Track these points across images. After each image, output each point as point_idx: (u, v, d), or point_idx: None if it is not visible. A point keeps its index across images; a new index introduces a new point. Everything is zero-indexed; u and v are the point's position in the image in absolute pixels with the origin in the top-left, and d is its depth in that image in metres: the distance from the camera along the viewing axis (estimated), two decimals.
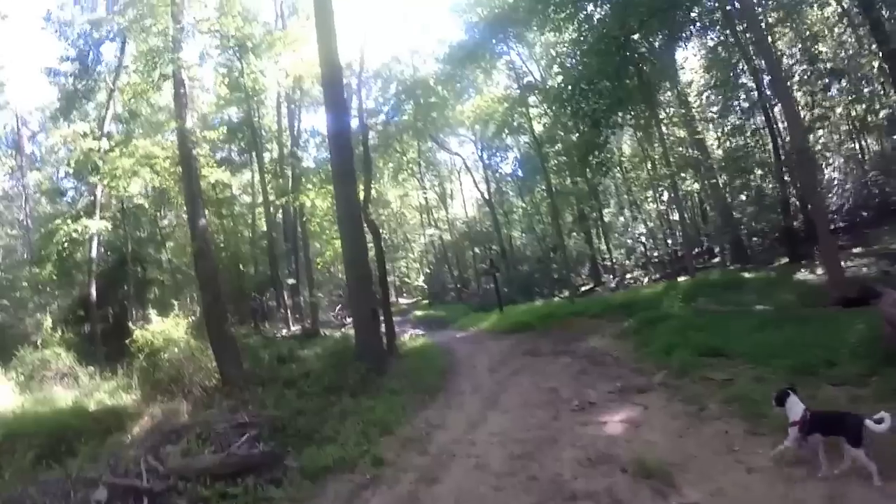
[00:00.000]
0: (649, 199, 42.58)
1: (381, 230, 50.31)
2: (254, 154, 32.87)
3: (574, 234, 42.13)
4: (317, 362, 17.15)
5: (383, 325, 18.13)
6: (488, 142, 46.58)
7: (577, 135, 24.03)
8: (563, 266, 38.27)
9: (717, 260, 32.94)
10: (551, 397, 10.51)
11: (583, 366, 12.98)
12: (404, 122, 43.89)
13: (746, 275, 22.38)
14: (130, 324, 19.75)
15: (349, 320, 36.23)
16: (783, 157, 25.49)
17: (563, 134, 28.06)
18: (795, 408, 5.44)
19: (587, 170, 25.13)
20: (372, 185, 21.52)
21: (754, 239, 30.87)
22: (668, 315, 16.22)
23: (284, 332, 31.08)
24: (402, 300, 53.10)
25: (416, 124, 41.74)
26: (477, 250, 49.50)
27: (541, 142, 23.51)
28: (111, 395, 16.61)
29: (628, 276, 34.94)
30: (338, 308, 39.81)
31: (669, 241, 35.53)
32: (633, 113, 24.34)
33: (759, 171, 30.84)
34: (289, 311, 31.63)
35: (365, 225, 18.31)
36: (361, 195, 18.97)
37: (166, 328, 18.45)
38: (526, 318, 20.50)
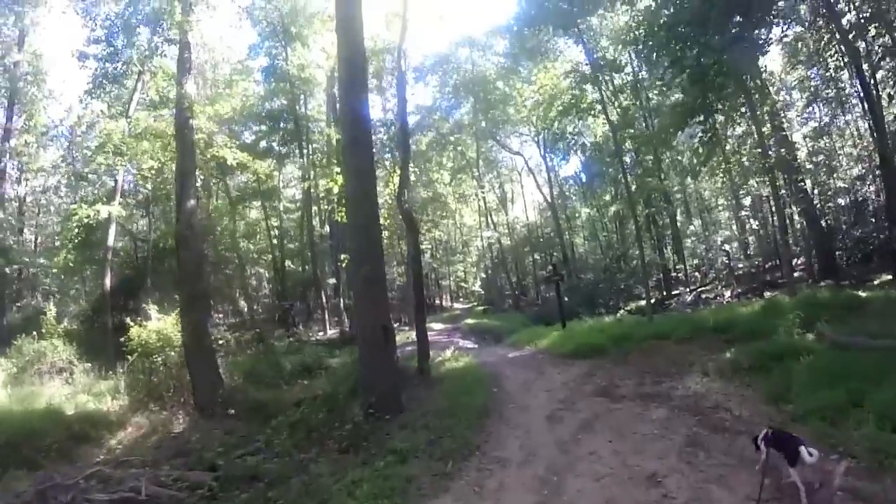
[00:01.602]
0: (720, 207, 37.13)
1: (437, 232, 47.17)
2: (298, 144, 28.86)
3: (642, 242, 36.83)
4: (327, 385, 13.07)
5: (417, 339, 13.75)
6: (550, 143, 42.12)
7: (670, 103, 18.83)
8: (630, 276, 33.06)
9: (797, 275, 27.37)
10: (653, 498, 5.82)
11: (689, 428, 8.12)
12: (463, 120, 39.89)
13: (862, 294, 17.05)
14: (129, 320, 15.86)
15: (395, 324, 31.96)
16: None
17: (644, 114, 23.11)
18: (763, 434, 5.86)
19: (678, 154, 20.40)
20: (410, 168, 16.94)
21: (846, 252, 25.27)
22: (793, 348, 10.98)
23: (321, 335, 27.01)
24: (457, 305, 48.69)
25: (475, 122, 37.59)
26: (537, 256, 44.67)
27: (616, 126, 18.31)
28: (98, 399, 14.05)
29: (703, 289, 29.35)
30: None
31: (749, 252, 29.99)
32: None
33: (856, 172, 25.55)
34: (326, 313, 27.37)
35: (400, 215, 13.92)
36: (396, 180, 14.55)
37: (164, 327, 14.62)
38: (595, 338, 15.51)
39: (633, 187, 19.22)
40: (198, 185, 19.00)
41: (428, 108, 39.95)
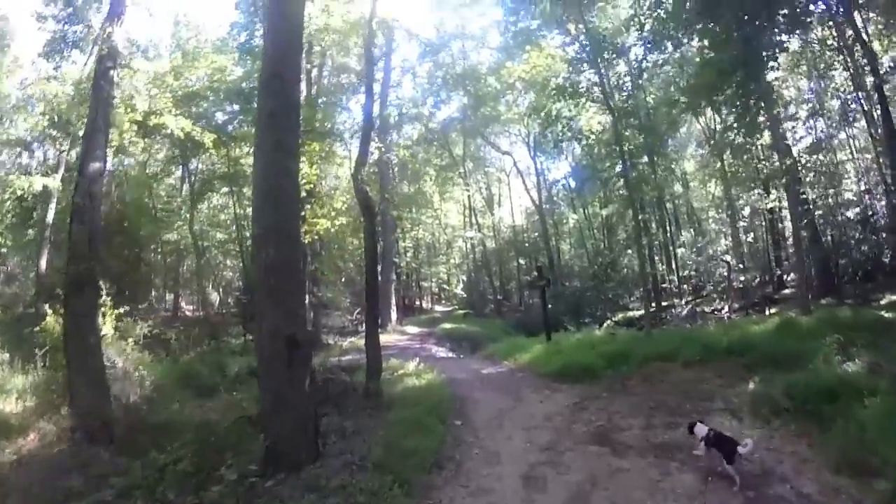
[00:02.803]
0: (710, 219, 34.30)
1: (420, 231, 44.04)
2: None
3: (641, 246, 33.91)
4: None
5: (366, 352, 10.74)
6: (542, 130, 39.00)
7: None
8: (619, 286, 30.11)
9: (787, 291, 24.62)
10: None
11: None
12: (451, 115, 36.90)
13: (886, 315, 14.35)
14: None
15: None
16: None
17: (646, 111, 20.25)
18: (700, 431, 6.51)
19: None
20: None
21: (850, 268, 22.57)
22: (847, 383, 8.02)
23: None
24: (438, 307, 45.43)
25: (465, 118, 34.57)
26: (522, 261, 41.59)
27: (617, 113, 15.26)
28: (4, 398, 10.56)
29: (698, 302, 26.41)
30: (357, 311, 32.02)
31: (745, 265, 27.13)
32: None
33: (862, 186, 22.98)
34: None
35: (357, 196, 10.87)
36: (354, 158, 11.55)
37: None
38: (586, 356, 12.47)
39: (632, 176, 16.04)
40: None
41: (414, 98, 36.95)
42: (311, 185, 14.36)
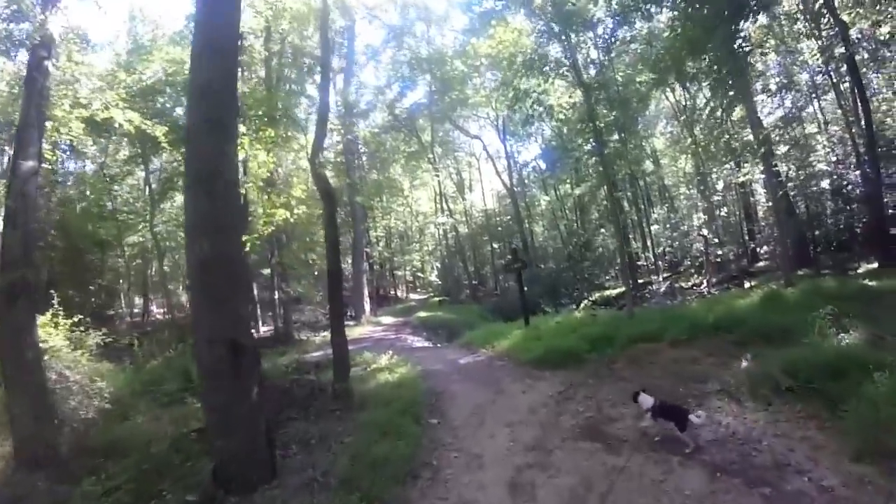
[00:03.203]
0: (682, 195, 33.88)
1: (391, 220, 42.97)
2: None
3: (619, 223, 33.30)
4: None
5: (332, 350, 9.81)
6: (511, 127, 38.32)
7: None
8: (595, 265, 29.51)
9: (760, 264, 24.26)
10: None
11: None
12: (418, 103, 35.82)
13: (870, 283, 13.99)
14: None
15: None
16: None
17: (618, 75, 19.38)
18: (646, 401, 6.52)
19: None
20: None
21: (825, 239, 22.26)
22: (852, 358, 7.36)
23: (254, 333, 22.80)
24: (413, 296, 44.59)
25: (431, 103, 33.56)
26: (496, 245, 40.82)
27: (588, 88, 14.41)
28: None
29: (675, 278, 25.88)
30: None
31: (720, 239, 26.67)
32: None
33: (834, 158, 22.56)
34: (259, 309, 23.10)
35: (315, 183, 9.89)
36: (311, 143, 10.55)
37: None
38: (568, 340, 11.68)
39: (606, 152, 15.22)
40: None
41: (380, 87, 35.84)
42: (269, 174, 13.26)
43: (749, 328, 10.31)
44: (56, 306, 11.17)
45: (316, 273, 38.64)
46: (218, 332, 5.51)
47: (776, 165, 23.00)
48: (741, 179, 25.55)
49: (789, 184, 22.83)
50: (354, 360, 14.44)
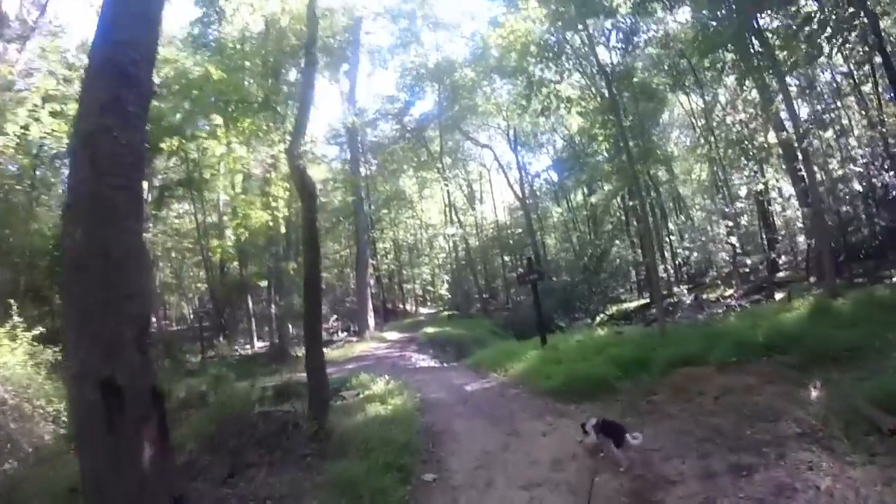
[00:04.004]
0: (698, 206, 31.77)
1: (400, 232, 40.90)
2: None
3: (617, 241, 31.31)
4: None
5: (308, 380, 7.91)
6: (524, 137, 36.54)
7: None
8: (612, 276, 27.40)
9: (781, 274, 21.98)
10: None
11: None
12: (427, 114, 34.08)
13: None
14: None
15: (342, 334, 25.71)
16: None
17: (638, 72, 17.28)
18: (590, 421, 6.32)
19: None
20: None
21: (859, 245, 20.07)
22: None
23: (247, 348, 20.85)
24: (423, 310, 42.43)
25: (440, 113, 31.81)
26: (507, 258, 38.76)
27: (611, 75, 12.47)
28: None
29: (699, 290, 23.61)
30: (333, 319, 28.96)
31: (742, 249, 24.48)
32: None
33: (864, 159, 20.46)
34: (254, 322, 21.15)
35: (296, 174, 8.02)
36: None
37: None
38: (593, 363, 9.61)
39: (631, 146, 13.24)
40: None
41: (389, 97, 34.18)
42: (247, 171, 11.29)
43: (807, 348, 8.31)
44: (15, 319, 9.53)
45: (323, 286, 36.96)
46: (87, 365, 3.52)
47: (800, 169, 21.18)
48: (760, 186, 23.50)
49: (820, 188, 20.84)
50: (350, 384, 12.56)
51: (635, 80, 15.72)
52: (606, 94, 12.92)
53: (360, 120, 31.46)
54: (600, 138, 15.53)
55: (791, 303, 14.50)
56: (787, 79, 22.25)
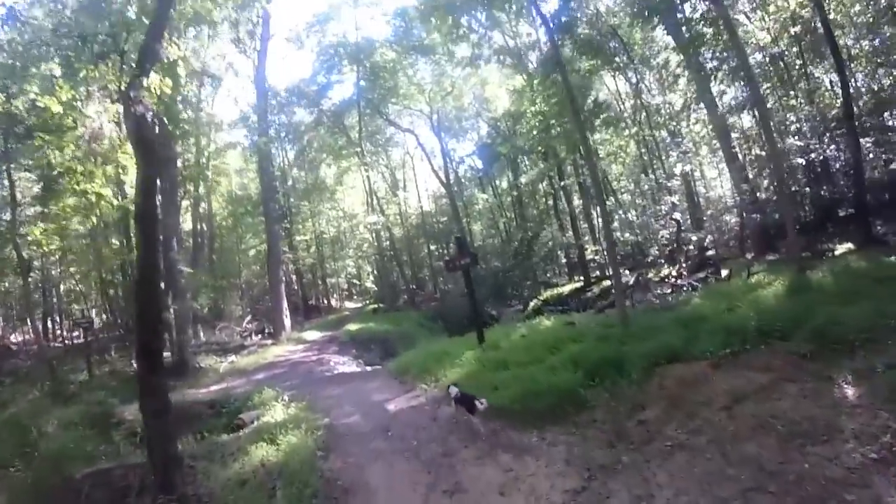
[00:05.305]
0: (623, 188, 30.28)
1: (322, 224, 37.39)
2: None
3: (545, 225, 29.38)
4: None
5: (146, 428, 5.07)
6: (447, 123, 34.16)
7: None
8: (544, 260, 25.41)
9: (710, 253, 20.61)
10: None
11: None
12: (346, 99, 31.04)
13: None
14: None
15: (256, 337, 22.38)
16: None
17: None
18: (453, 391, 6.68)
19: None
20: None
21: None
22: None
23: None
24: (349, 304, 39.38)
25: (360, 96, 28.97)
26: (433, 247, 36.19)
27: (552, 25, 10.14)
28: None
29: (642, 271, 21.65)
30: (247, 321, 25.40)
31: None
32: None
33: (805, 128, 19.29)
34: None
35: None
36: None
37: None
38: (549, 367, 7.20)
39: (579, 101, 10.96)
40: None
41: (306, 80, 30.85)
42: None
43: (812, 331, 6.49)
44: None
45: (242, 284, 33.21)
46: None
47: (734, 147, 19.91)
48: (692, 166, 22.18)
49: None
50: (251, 401, 9.80)
51: (579, 31, 13.39)
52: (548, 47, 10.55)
53: (272, 101, 28.20)
54: (538, 101, 13.19)
55: (749, 279, 12.72)
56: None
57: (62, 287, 25.50)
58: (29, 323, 22.21)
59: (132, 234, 16.89)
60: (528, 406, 6.20)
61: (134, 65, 6.22)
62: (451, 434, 6.25)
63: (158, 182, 6.76)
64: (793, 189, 19.11)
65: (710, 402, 5.64)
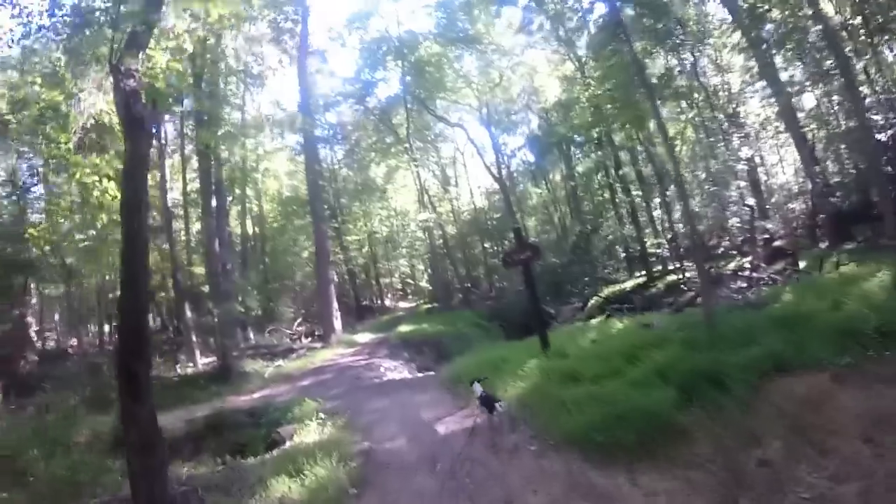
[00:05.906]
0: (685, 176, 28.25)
1: (374, 224, 36.70)
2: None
3: (605, 217, 27.78)
4: None
5: (131, 479, 3.98)
6: (497, 116, 32.88)
7: None
8: (604, 255, 23.88)
9: (777, 243, 18.58)
10: None
11: None
12: (392, 96, 30.26)
13: None
14: None
15: (306, 340, 21.71)
16: None
17: None
18: (477, 389, 6.57)
19: None
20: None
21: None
22: None
23: (190, 368, 16.86)
24: (403, 304, 38.44)
25: (405, 92, 28.15)
26: (488, 245, 34.86)
27: None
28: None
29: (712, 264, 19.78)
30: (297, 323, 24.77)
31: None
32: None
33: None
34: (193, 336, 17.09)
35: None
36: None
37: None
38: (631, 385, 5.87)
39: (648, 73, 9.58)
40: None
41: (350, 79, 30.18)
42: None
43: None
44: None
45: (296, 286, 32.83)
46: None
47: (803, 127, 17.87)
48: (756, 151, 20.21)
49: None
50: (291, 414, 8.91)
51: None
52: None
53: (318, 102, 27.67)
54: (596, 75, 11.79)
55: (837, 270, 10.98)
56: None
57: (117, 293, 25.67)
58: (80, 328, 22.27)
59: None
60: (612, 435, 4.89)
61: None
62: (514, 470, 5.00)
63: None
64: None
65: (843, 430, 4.26)
